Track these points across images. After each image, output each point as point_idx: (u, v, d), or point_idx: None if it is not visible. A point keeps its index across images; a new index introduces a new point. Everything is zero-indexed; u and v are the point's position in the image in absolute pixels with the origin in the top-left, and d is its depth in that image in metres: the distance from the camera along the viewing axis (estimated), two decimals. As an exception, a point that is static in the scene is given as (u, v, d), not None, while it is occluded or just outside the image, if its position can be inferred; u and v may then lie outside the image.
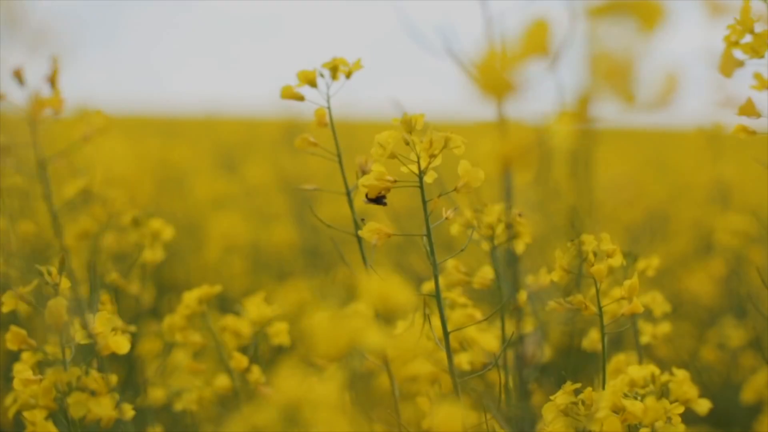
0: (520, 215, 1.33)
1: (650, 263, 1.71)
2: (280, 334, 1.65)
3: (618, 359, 1.66)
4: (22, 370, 1.35)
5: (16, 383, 1.32)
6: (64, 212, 1.41)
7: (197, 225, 4.18)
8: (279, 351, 1.71)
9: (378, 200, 1.24)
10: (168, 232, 1.96)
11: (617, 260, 1.26)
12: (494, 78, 0.88)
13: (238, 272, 3.71)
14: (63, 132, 1.31)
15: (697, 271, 3.47)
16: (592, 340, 1.75)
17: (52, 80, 1.25)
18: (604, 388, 1.31)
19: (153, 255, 1.95)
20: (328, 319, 0.92)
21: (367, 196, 1.24)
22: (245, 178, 4.87)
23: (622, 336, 2.23)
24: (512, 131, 0.92)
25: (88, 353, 1.37)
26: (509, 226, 1.10)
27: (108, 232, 1.91)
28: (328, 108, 1.40)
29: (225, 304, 2.19)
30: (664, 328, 1.80)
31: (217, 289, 1.63)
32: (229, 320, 1.62)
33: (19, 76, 1.32)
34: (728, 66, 1.53)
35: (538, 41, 0.87)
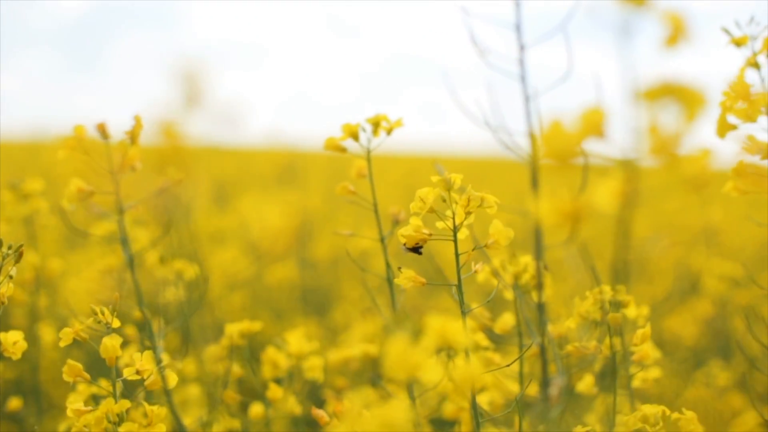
0: (545, 268, 1.44)
1: (641, 312, 1.82)
2: (314, 368, 1.72)
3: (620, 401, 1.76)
4: (75, 401, 1.45)
5: (70, 413, 1.42)
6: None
7: (194, 258, 4.18)
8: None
9: (415, 249, 1.35)
10: (191, 272, 2.04)
11: (631, 310, 1.38)
12: (555, 151, 1.01)
13: (237, 308, 3.75)
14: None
15: (682, 312, 3.57)
16: (587, 383, 1.86)
17: (134, 137, 1.36)
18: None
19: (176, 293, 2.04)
20: (401, 347, 1.05)
21: (405, 245, 1.35)
22: (240, 212, 4.88)
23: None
24: (563, 196, 1.05)
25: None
26: (534, 277, 1.22)
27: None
28: (368, 160, 1.50)
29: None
30: (655, 372, 1.90)
31: (258, 325, 1.72)
32: (270, 352, 1.70)
33: (103, 131, 1.44)
34: (723, 129, 1.68)
35: (593, 125, 1.01)
